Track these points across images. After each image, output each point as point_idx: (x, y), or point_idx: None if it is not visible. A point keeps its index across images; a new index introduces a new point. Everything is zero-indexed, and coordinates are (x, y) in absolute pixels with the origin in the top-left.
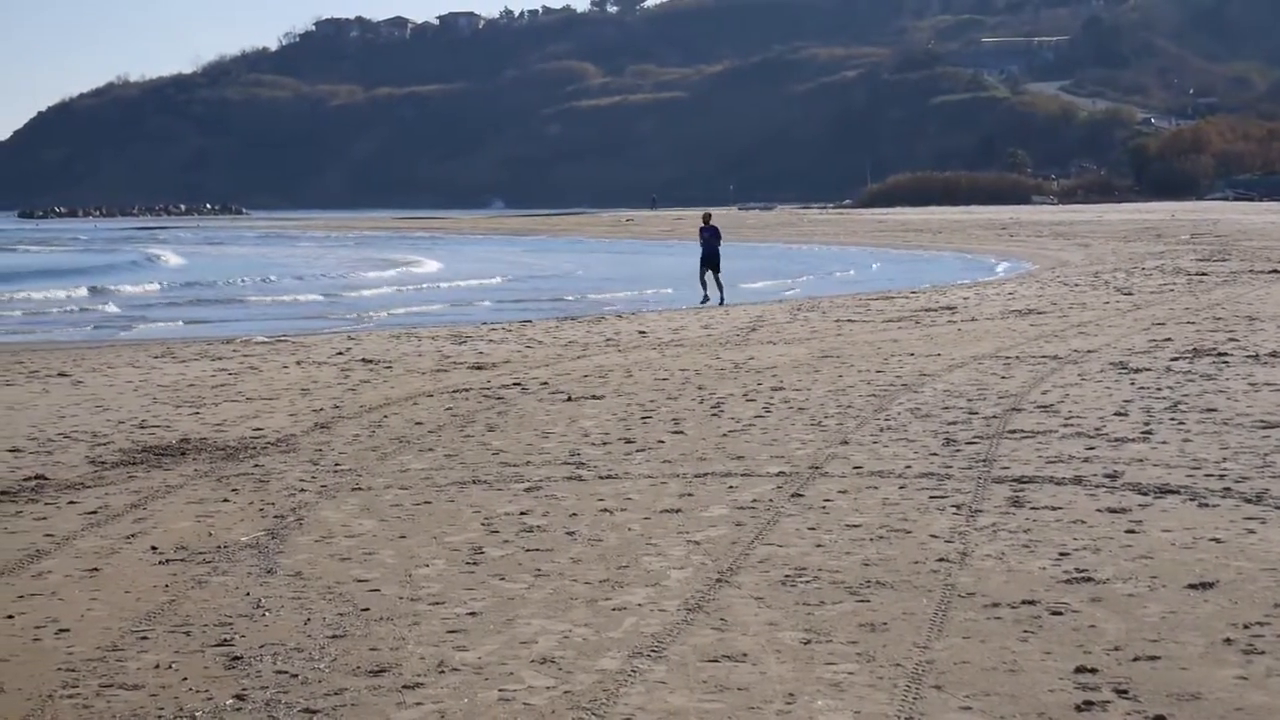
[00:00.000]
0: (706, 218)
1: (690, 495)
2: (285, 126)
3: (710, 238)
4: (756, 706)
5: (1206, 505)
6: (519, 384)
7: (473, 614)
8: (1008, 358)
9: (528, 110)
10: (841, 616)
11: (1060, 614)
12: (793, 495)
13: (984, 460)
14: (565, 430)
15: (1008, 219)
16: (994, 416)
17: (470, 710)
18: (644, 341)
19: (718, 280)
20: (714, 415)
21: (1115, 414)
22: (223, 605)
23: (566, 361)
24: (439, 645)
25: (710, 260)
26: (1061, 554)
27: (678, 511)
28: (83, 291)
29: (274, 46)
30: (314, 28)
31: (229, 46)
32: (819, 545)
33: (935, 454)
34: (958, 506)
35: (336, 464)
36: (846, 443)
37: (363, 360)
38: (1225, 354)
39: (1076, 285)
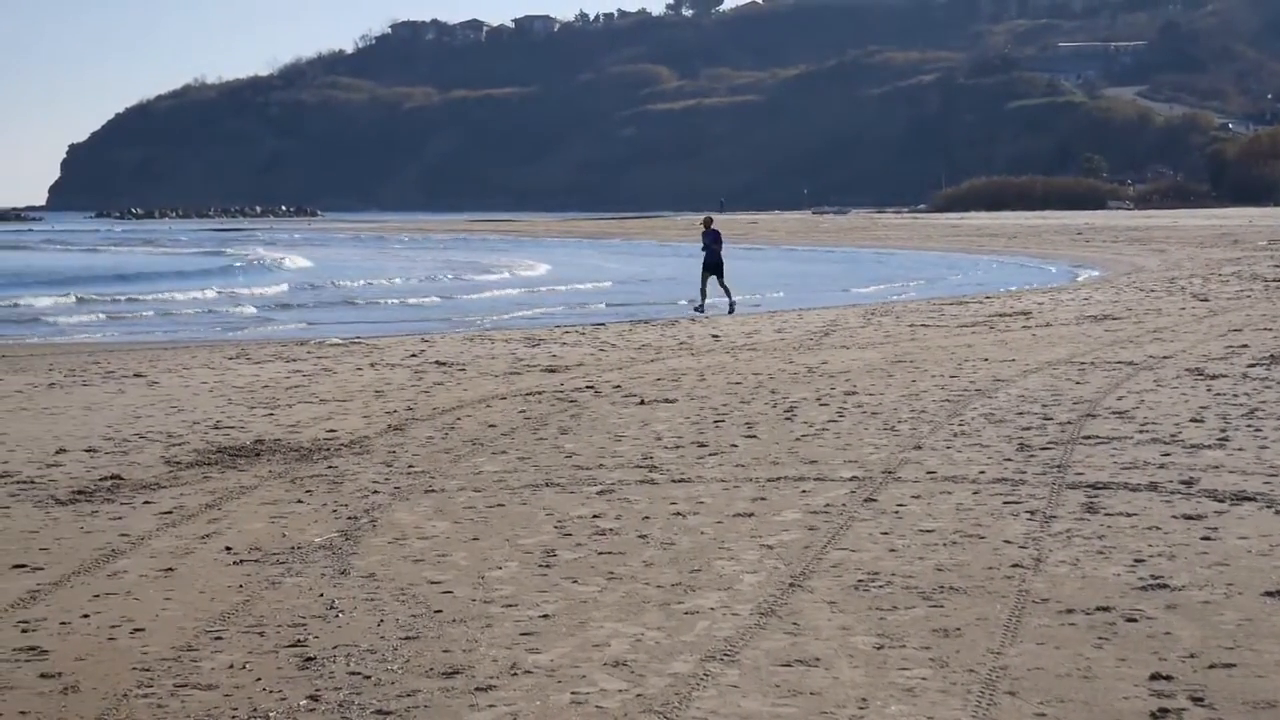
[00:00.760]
0: (708, 222)
1: (763, 499)
2: (360, 129)
3: (711, 243)
4: (829, 711)
5: None
6: (592, 387)
7: (545, 616)
8: (1083, 363)
9: (602, 113)
10: (914, 621)
11: (1135, 621)
12: (866, 500)
13: (1058, 466)
14: (638, 433)
15: (1083, 224)
16: (1068, 422)
17: (543, 713)
18: (717, 345)
19: (723, 286)
20: (787, 419)
21: (1191, 420)
22: (296, 606)
23: (640, 365)
24: (511, 647)
25: (713, 266)
26: (1136, 560)
27: (750, 515)
28: (212, 293)
29: (350, 49)
30: (390, 30)
31: (305, 49)
32: (892, 550)
33: (1009, 459)
34: (1032, 512)
35: (410, 466)
36: (920, 448)
37: (436, 363)
38: None
39: (1152, 291)
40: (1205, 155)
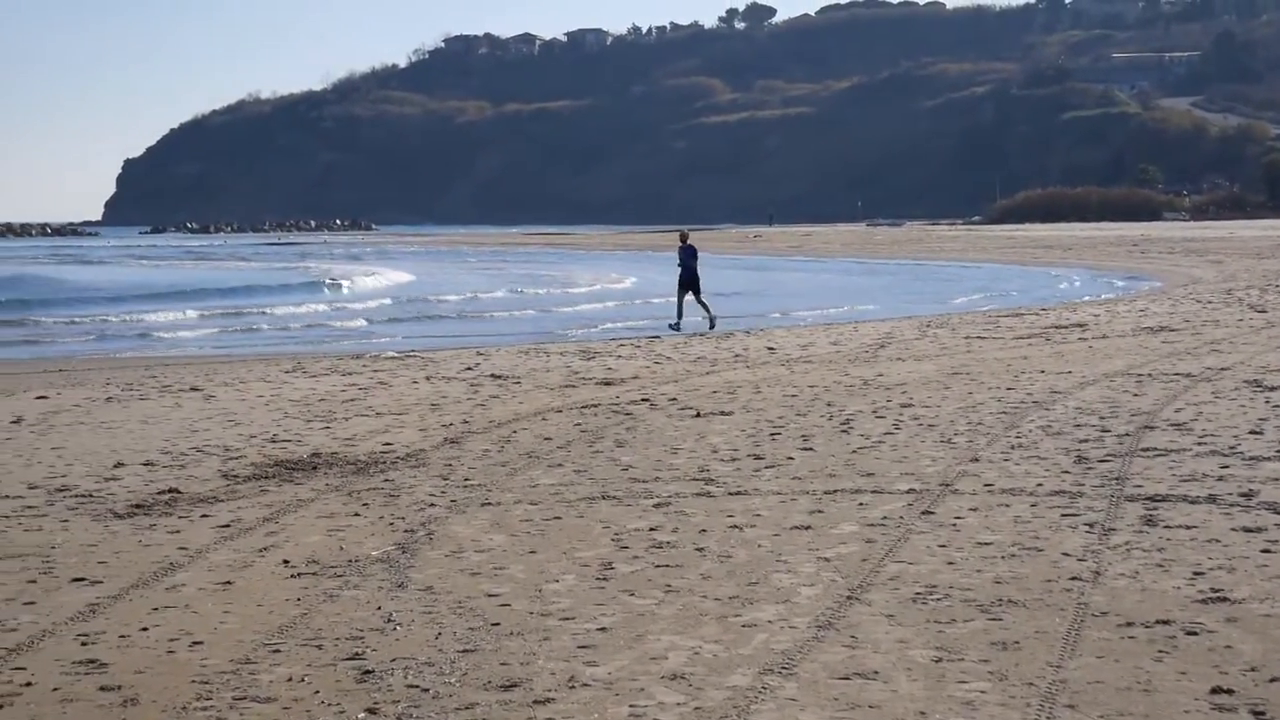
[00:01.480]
0: (684, 237)
1: (820, 512)
2: (413, 142)
3: (688, 259)
4: None
5: None
6: (648, 400)
7: (603, 629)
8: (1140, 375)
9: (655, 126)
10: (973, 634)
11: (1195, 634)
12: (923, 512)
13: (1117, 478)
14: (694, 446)
15: (1139, 235)
16: (1126, 434)
17: None
18: (772, 358)
19: (701, 302)
20: (843, 432)
21: (1250, 432)
22: (354, 619)
23: (695, 377)
24: (569, 660)
25: (689, 282)
26: (1196, 573)
27: (808, 528)
28: (324, 307)
29: (403, 63)
30: (443, 44)
31: (359, 63)
32: (950, 563)
33: (1067, 472)
34: (1090, 525)
35: (466, 479)
36: (977, 460)
37: (491, 375)
38: None
39: (1209, 302)
40: (1261, 165)
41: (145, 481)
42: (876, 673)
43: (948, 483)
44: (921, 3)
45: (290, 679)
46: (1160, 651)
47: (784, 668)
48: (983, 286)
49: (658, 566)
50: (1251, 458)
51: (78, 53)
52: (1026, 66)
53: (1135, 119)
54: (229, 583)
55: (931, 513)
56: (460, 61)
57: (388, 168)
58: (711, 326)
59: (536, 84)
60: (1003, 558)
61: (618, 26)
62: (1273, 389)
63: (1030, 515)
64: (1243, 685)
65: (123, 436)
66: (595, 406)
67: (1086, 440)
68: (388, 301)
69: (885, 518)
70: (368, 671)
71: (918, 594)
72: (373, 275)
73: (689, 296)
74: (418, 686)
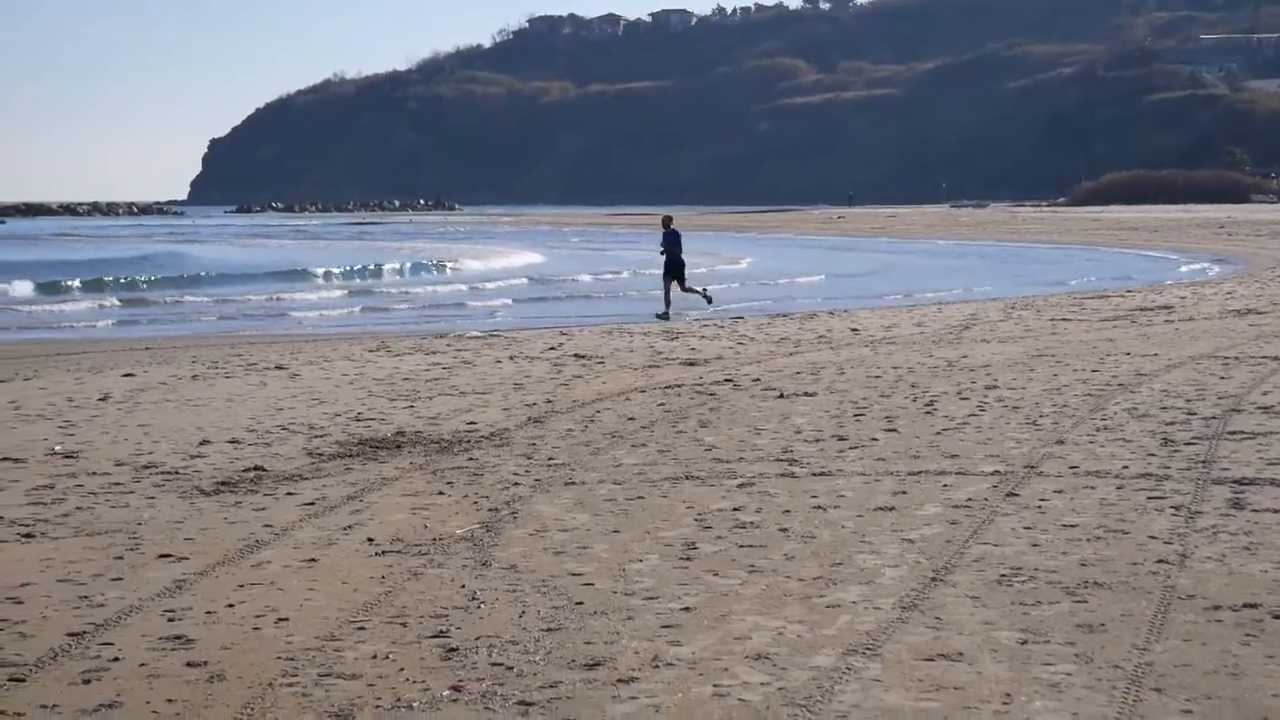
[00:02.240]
0: (666, 221)
1: (904, 493)
2: (497, 123)
3: (671, 244)
4: (973, 706)
5: None
6: (731, 380)
7: (687, 609)
8: (1226, 358)
9: (738, 107)
10: (1058, 617)
11: None
12: (1008, 494)
13: (1203, 461)
14: (778, 427)
15: (1225, 218)
16: (1213, 417)
17: (685, 705)
18: (856, 339)
19: (686, 290)
20: (927, 413)
21: None
22: (438, 597)
23: (778, 358)
24: (653, 640)
25: (674, 269)
26: None
27: (892, 509)
28: (464, 287)
29: (488, 43)
30: (527, 25)
31: (443, 44)
32: (1035, 545)
33: (1153, 455)
34: (1177, 508)
35: (550, 458)
36: (1062, 442)
37: (575, 355)
38: None
39: None
40: None
41: (231, 459)
42: (961, 654)
43: (1033, 465)
44: None
45: (375, 656)
46: (1248, 635)
47: (868, 649)
48: (1067, 268)
49: (741, 547)
50: None
51: (166, 36)
52: (1113, 48)
53: (1223, 101)
54: (314, 560)
55: (1016, 495)
56: (544, 42)
57: (471, 148)
58: (709, 301)
59: (620, 65)
60: (1088, 540)
61: (702, 7)
62: None
63: (1116, 498)
64: None
65: (208, 414)
66: (679, 387)
67: (1173, 423)
68: (523, 281)
69: (970, 499)
70: (452, 649)
71: (1003, 576)
72: (504, 256)
73: (677, 285)
74: (502, 664)
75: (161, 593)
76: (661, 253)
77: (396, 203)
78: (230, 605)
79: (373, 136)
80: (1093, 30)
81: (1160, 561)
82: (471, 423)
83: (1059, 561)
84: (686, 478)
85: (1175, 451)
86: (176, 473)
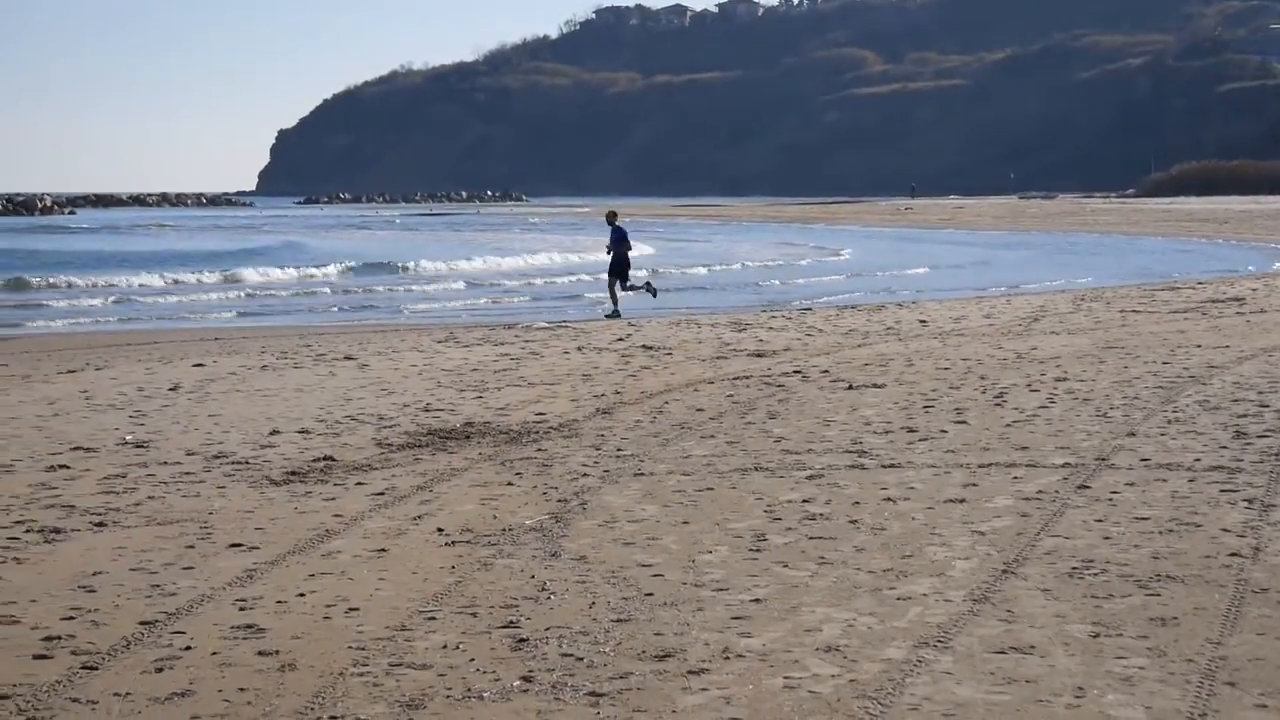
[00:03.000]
0: (611, 216)
1: (974, 485)
2: (564, 114)
3: (617, 242)
4: (1045, 699)
5: None
6: (799, 371)
7: (756, 601)
8: None
9: (805, 98)
10: (1131, 610)
11: None
12: (1079, 487)
13: (1276, 454)
14: (847, 418)
15: None
16: None
17: (755, 697)
18: (925, 330)
19: (629, 288)
20: (997, 405)
21: None
22: (508, 588)
23: (847, 350)
24: (723, 631)
25: (619, 269)
26: None
27: (962, 501)
28: (587, 276)
29: (554, 34)
30: (594, 15)
31: (510, 35)
32: (1106, 538)
33: (1225, 447)
34: (1250, 501)
35: (618, 449)
36: (1133, 434)
37: (643, 346)
38: None
39: None
40: None
41: (300, 449)
42: (1033, 647)
43: (1103, 457)
44: None
45: (445, 646)
46: None
47: (939, 641)
48: (1137, 260)
49: (811, 538)
50: None
51: (235, 27)
52: (1183, 38)
53: None
54: (384, 550)
55: (1087, 487)
56: (611, 33)
57: (538, 139)
58: (654, 295)
59: (687, 55)
60: (1160, 533)
61: None
62: None
63: (1188, 490)
64: None
65: (278, 404)
66: (747, 378)
67: (1245, 415)
68: (642, 272)
69: (1040, 491)
70: (522, 640)
71: (1074, 569)
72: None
73: (625, 281)
74: (572, 655)
75: (232, 582)
76: (608, 250)
77: (464, 194)
78: (301, 595)
79: (440, 128)
80: (1162, 20)
81: (1233, 555)
82: (540, 414)
83: (1131, 554)
84: (755, 469)
85: (1248, 444)
86: (247, 462)
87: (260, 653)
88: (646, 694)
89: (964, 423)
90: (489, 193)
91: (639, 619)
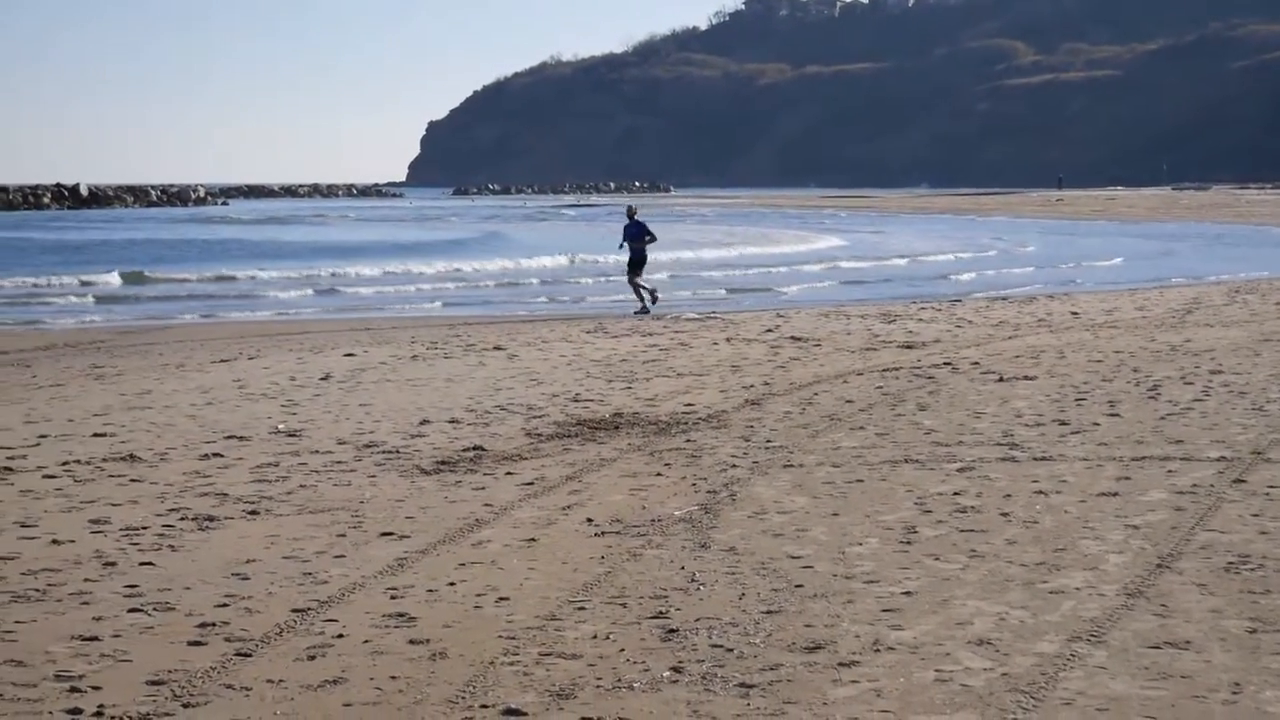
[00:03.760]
0: (631, 211)
1: (1127, 479)
2: (713, 105)
3: (634, 238)
4: (1201, 695)
5: None
6: (949, 363)
7: (907, 593)
8: None
9: (956, 89)
10: None
11: None
12: (1235, 481)
13: None
14: (997, 410)
15: None
16: None
17: (907, 690)
18: (1076, 322)
19: (642, 285)
20: (1150, 398)
21: None
22: (658, 578)
23: (997, 342)
24: (874, 624)
25: (637, 263)
26: None
27: (1115, 495)
28: (818, 267)
29: (704, 25)
30: (743, 6)
31: (660, 26)
32: (1263, 533)
33: None
34: None
35: (768, 440)
36: None
37: (792, 338)
38: None
39: None
40: None
41: (450, 438)
42: (1189, 642)
43: (1260, 451)
44: None
45: (595, 636)
46: None
47: (1093, 635)
48: None
49: (962, 531)
50: None
51: (387, 22)
52: None
53: None
54: (533, 540)
55: (1243, 481)
56: (760, 23)
57: (686, 130)
58: (654, 301)
59: (837, 46)
60: None
61: None
62: None
63: None
64: None
65: (428, 394)
66: (897, 370)
67: None
68: (817, 267)
69: (1195, 485)
70: (672, 630)
71: (1230, 563)
72: (804, 242)
73: (642, 276)
74: (722, 646)
75: (384, 570)
76: (621, 245)
77: (612, 185)
78: (451, 584)
79: (588, 119)
80: None
81: None
82: (689, 404)
83: None
84: (905, 461)
85: None
86: (397, 452)
87: (411, 641)
88: (797, 686)
89: (1117, 415)
90: (636, 184)
91: (789, 611)
